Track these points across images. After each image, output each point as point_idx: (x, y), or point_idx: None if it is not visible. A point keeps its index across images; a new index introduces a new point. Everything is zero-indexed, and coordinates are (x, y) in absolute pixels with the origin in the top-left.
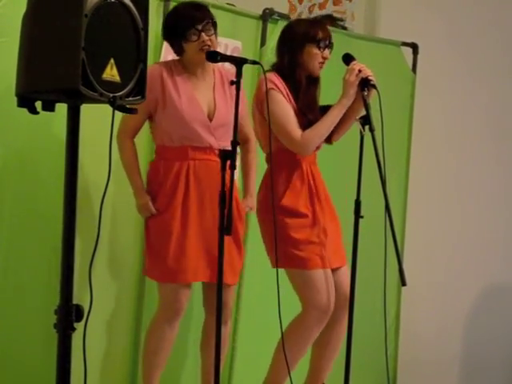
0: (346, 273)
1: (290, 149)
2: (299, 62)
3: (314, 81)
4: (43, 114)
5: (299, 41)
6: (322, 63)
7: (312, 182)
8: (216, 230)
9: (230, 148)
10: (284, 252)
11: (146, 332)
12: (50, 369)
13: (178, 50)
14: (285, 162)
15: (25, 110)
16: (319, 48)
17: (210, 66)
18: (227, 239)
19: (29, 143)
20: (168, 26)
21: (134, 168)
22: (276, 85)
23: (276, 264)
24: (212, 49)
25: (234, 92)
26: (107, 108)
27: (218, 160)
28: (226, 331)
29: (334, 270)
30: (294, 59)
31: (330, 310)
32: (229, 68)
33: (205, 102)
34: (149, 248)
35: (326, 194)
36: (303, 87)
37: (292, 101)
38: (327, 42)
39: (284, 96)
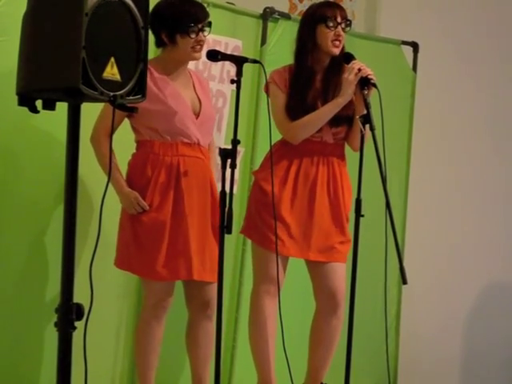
0: (336, 269)
1: (283, 136)
2: (308, 48)
3: (333, 68)
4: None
5: (309, 23)
6: (336, 41)
7: (295, 174)
8: (205, 229)
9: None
10: (251, 223)
11: (136, 333)
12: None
13: (168, 41)
14: (286, 147)
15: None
16: (328, 27)
17: (187, 68)
18: (211, 238)
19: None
20: (166, 13)
21: (115, 166)
22: (272, 77)
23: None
24: (201, 49)
25: (210, 94)
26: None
27: (204, 157)
28: (213, 327)
29: (319, 264)
30: (302, 45)
31: (276, 282)
32: (201, 74)
33: (188, 99)
34: (137, 245)
35: (318, 194)
36: (303, 75)
37: (287, 85)
38: (338, 20)
39: (277, 84)
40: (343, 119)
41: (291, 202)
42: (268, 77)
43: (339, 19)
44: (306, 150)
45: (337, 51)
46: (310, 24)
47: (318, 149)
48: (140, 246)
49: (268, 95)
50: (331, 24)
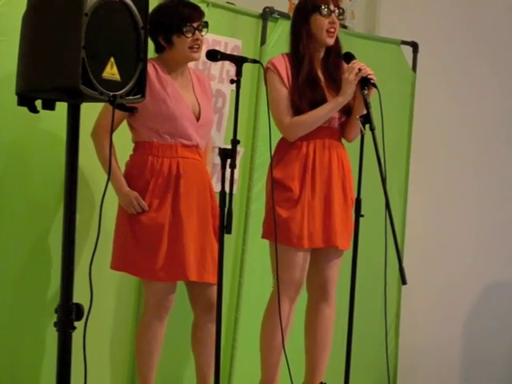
0: (333, 260)
1: (280, 132)
2: (303, 38)
3: (331, 54)
4: None
5: (302, 14)
6: (331, 29)
7: (312, 161)
8: (205, 231)
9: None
10: (269, 224)
11: (137, 334)
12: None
13: (165, 43)
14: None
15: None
16: (322, 15)
17: (187, 68)
18: (212, 239)
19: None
20: (160, 17)
21: (115, 165)
22: (273, 65)
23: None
24: (199, 49)
25: (211, 93)
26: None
27: (201, 159)
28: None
29: (316, 253)
30: (298, 34)
31: (299, 287)
32: (202, 72)
33: (189, 101)
34: (136, 245)
35: (334, 178)
36: (305, 63)
37: (290, 80)
38: (331, 7)
39: (280, 76)
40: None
41: (312, 193)
42: (267, 64)
43: (332, 7)
44: (317, 135)
45: (331, 41)
46: (304, 15)
47: (327, 134)
48: (138, 247)
49: (266, 83)
50: (325, 12)
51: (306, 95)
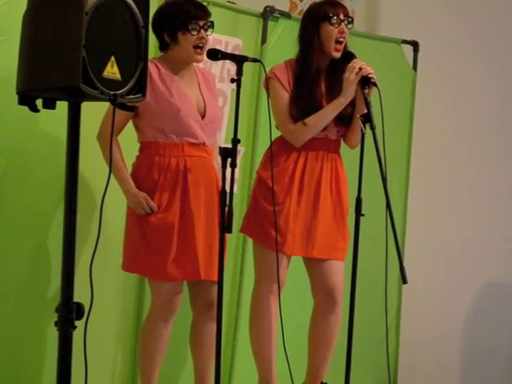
0: (334, 267)
1: (285, 138)
2: (314, 46)
3: (336, 66)
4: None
5: (313, 22)
6: (341, 38)
7: (300, 174)
8: (212, 228)
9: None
10: (254, 222)
11: (142, 333)
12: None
13: (170, 40)
14: (285, 142)
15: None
16: (332, 24)
17: (192, 66)
18: (218, 237)
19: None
20: (167, 14)
21: (122, 166)
22: (274, 73)
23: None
24: (203, 50)
25: (216, 90)
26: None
27: (209, 157)
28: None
29: (318, 261)
30: (308, 43)
31: (283, 284)
32: (207, 69)
33: (194, 99)
34: (146, 246)
35: (323, 190)
36: (310, 74)
37: (292, 86)
38: (341, 17)
39: (282, 83)
40: (348, 117)
41: (298, 201)
42: (268, 72)
43: (342, 16)
44: (311, 146)
45: (337, 55)
46: (314, 23)
47: (322, 145)
48: (149, 247)
49: (268, 91)
50: (335, 21)
51: (303, 105)
